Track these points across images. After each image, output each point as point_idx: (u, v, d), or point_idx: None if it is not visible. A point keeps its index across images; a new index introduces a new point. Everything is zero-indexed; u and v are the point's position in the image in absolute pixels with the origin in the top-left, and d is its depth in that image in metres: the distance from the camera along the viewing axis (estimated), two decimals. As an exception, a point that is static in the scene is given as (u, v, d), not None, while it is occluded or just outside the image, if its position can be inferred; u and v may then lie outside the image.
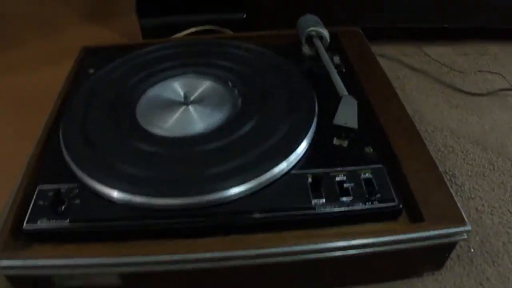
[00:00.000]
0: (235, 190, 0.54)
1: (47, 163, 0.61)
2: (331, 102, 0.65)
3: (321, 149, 0.60)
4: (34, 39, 1.16)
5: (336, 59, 0.77)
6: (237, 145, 0.60)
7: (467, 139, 0.82)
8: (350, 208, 0.53)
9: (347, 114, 0.60)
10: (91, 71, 0.79)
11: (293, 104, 0.66)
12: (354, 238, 0.51)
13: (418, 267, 0.59)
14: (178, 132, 0.63)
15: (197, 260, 0.51)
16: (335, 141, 0.60)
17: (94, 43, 0.87)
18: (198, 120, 0.65)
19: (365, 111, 0.65)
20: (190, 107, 0.68)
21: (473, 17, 1.06)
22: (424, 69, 1.02)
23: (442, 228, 0.52)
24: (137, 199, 0.54)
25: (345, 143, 0.60)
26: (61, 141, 0.62)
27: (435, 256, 0.57)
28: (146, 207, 0.54)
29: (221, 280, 0.56)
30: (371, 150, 0.59)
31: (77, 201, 0.55)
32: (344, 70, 0.76)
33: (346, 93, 0.64)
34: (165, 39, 0.88)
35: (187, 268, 0.51)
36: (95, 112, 0.67)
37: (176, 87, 0.72)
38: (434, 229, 0.51)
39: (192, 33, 1.04)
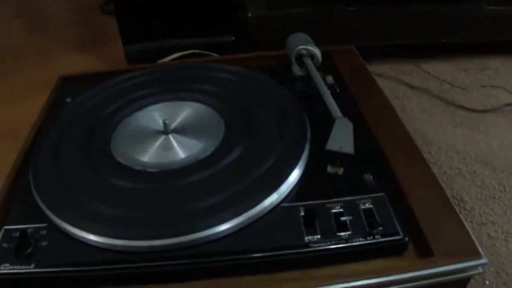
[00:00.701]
0: (221, 228, 0.48)
1: (17, 202, 0.56)
2: (324, 125, 0.58)
3: (315, 178, 0.54)
4: (17, 69, 1.14)
5: (329, 79, 0.72)
6: (222, 177, 0.54)
7: (474, 159, 0.77)
8: (349, 244, 0.47)
9: (341, 138, 0.54)
10: (68, 100, 0.74)
11: (283, 129, 0.60)
12: (355, 279, 0.45)
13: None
14: (157, 165, 0.58)
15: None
16: (329, 169, 0.54)
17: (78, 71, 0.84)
18: (179, 151, 0.60)
19: (362, 133, 0.59)
20: (170, 136, 0.63)
21: (471, 31, 1.03)
22: (424, 87, 0.97)
23: (454, 263, 0.45)
24: (112, 241, 0.48)
25: (340, 171, 0.54)
26: (30, 178, 0.57)
27: (447, 294, 0.51)
28: (122, 249, 0.48)
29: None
30: (370, 177, 0.53)
31: (45, 244, 0.49)
32: (338, 91, 0.70)
33: (340, 114, 0.59)
34: (147, 65, 0.83)
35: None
36: (67, 145, 0.62)
37: (155, 115, 0.67)
38: (445, 265, 0.45)
39: (179, 58, 0.99)
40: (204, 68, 0.77)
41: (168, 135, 0.63)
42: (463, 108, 0.91)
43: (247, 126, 0.61)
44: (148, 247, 0.48)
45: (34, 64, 1.16)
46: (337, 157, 0.53)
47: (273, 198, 0.50)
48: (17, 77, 1.11)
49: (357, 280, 0.45)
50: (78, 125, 0.66)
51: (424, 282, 0.46)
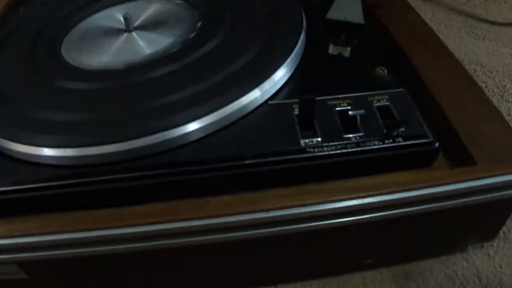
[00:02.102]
0: (190, 128, 0.36)
1: None
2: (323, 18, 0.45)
3: (313, 72, 0.42)
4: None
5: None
6: (193, 72, 0.42)
7: (502, 74, 0.66)
8: (361, 148, 0.35)
9: (347, 8, 0.41)
10: (21, 10, 0.62)
11: (272, 20, 0.47)
12: (369, 195, 0.33)
13: (462, 237, 0.41)
14: (115, 63, 0.46)
15: (132, 238, 0.34)
16: (332, 49, 0.41)
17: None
18: (144, 47, 0.48)
19: (372, 26, 0.47)
20: (134, 34, 0.51)
21: None
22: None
23: (504, 174, 0.34)
24: (53, 152, 0.37)
25: (346, 52, 0.41)
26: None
27: (487, 219, 0.39)
28: (65, 163, 0.37)
29: (170, 264, 0.39)
30: (385, 70, 0.41)
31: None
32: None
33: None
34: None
35: (126, 249, 0.35)
36: (9, 53, 0.50)
37: (116, 15, 0.55)
38: (491, 175, 0.34)
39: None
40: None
41: (131, 32, 0.51)
42: (484, 21, 0.79)
43: (227, 19, 0.48)
44: (102, 155, 0.36)
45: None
46: (341, 31, 0.40)
47: (255, 94, 0.38)
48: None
49: (372, 196, 0.33)
50: (25, 32, 0.54)
51: (461, 200, 0.34)
